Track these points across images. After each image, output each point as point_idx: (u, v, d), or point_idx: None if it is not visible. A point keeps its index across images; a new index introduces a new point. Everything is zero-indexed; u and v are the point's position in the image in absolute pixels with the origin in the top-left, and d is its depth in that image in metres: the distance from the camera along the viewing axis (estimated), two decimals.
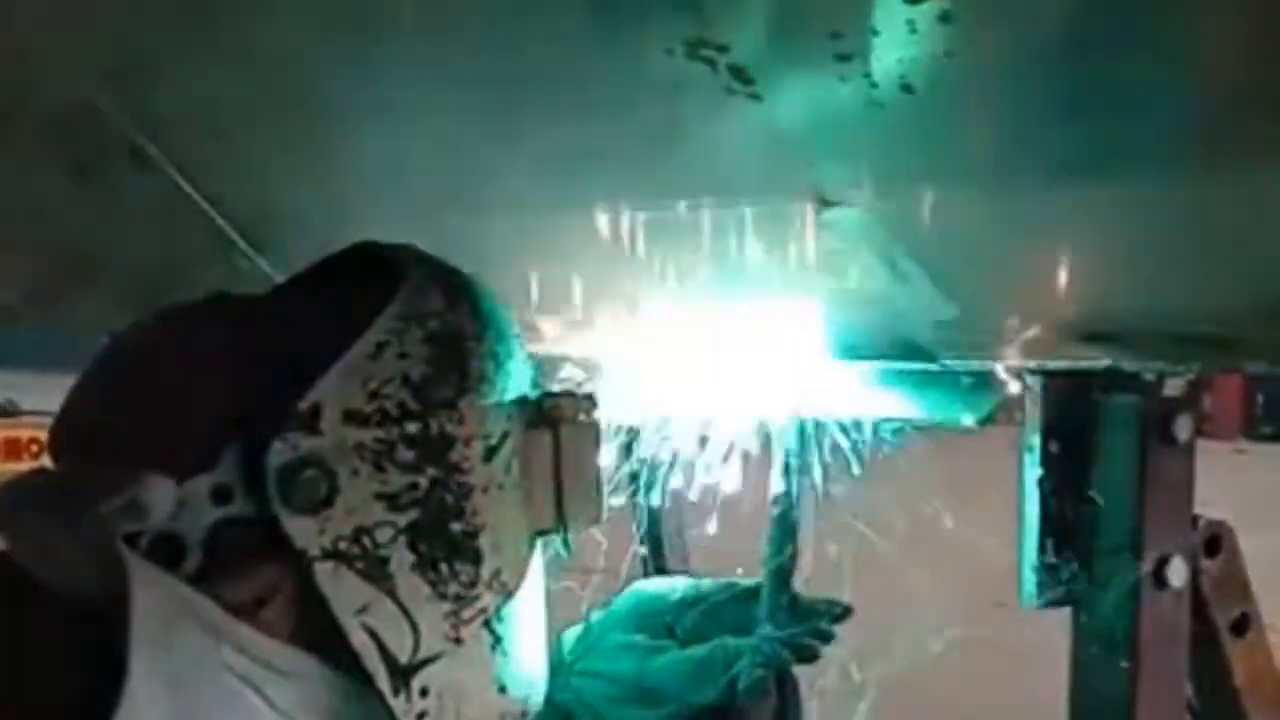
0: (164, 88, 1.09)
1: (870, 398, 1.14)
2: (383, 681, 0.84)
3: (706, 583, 1.30)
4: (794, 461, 1.20)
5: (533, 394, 0.93)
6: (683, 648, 1.20)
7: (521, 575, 0.91)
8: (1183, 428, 0.98)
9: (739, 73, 0.84)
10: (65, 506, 0.79)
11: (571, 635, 1.23)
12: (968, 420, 1.08)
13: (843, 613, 1.21)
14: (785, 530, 1.20)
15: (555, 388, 0.96)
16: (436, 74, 0.96)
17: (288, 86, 1.03)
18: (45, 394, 0.89)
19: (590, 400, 0.95)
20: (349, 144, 1.09)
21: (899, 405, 1.12)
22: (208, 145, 1.17)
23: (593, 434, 0.95)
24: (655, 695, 1.17)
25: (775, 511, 1.21)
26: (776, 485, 1.20)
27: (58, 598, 0.79)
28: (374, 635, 0.83)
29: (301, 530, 0.81)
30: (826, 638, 1.20)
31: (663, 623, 1.23)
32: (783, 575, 1.20)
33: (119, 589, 0.76)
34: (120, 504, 0.78)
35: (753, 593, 1.22)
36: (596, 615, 1.25)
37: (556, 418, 0.93)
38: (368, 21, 0.93)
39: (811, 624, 1.19)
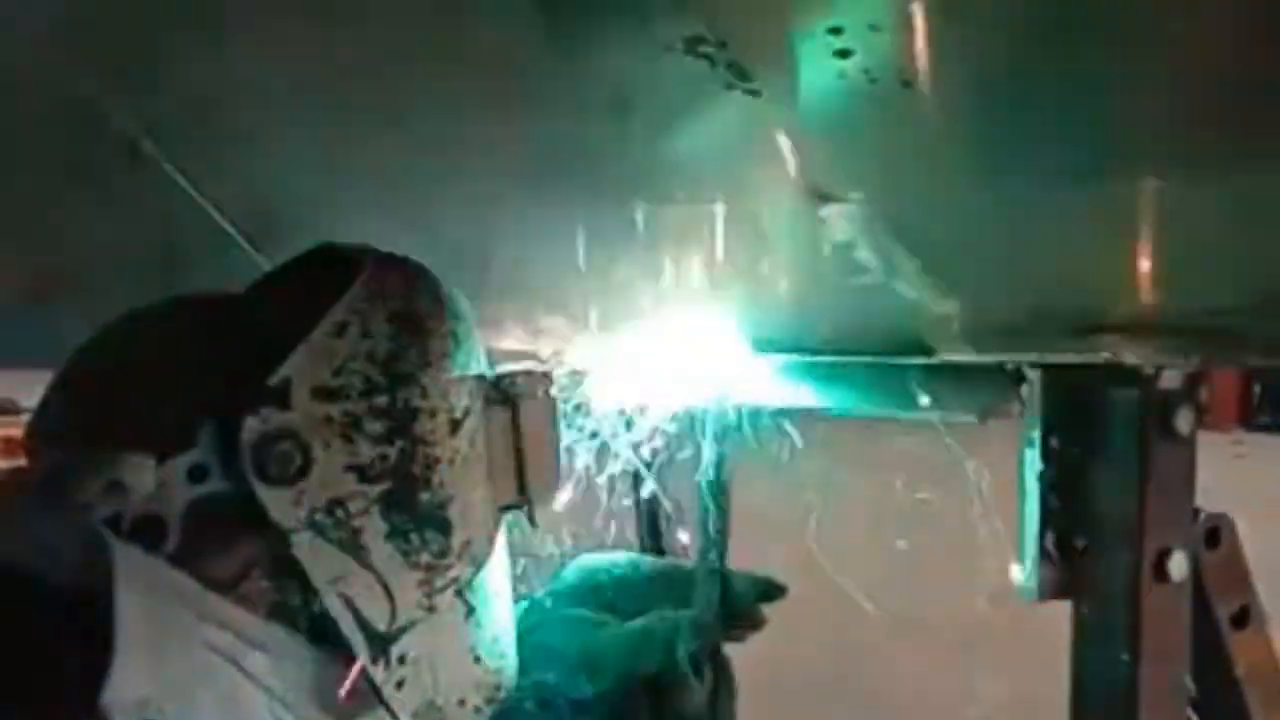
0: (161, 86, 1.09)
1: (869, 393, 1.15)
2: (361, 650, 0.87)
3: (647, 559, 1.34)
4: (725, 445, 1.22)
5: (491, 373, 0.96)
6: (624, 622, 1.23)
7: (489, 547, 0.94)
8: (1184, 421, 0.98)
9: (738, 69, 0.84)
10: (47, 492, 0.81)
11: (519, 610, 1.25)
12: (967, 415, 1.08)
13: (774, 592, 1.23)
14: (717, 511, 1.22)
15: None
16: (436, 71, 0.96)
17: (285, 85, 1.03)
18: None
19: (548, 378, 0.98)
20: (346, 143, 1.09)
21: (898, 400, 1.12)
22: (205, 143, 1.17)
23: (550, 410, 0.98)
24: (598, 667, 1.20)
25: (708, 494, 1.23)
26: (708, 469, 1.23)
27: (40, 583, 0.80)
28: (350, 604, 0.86)
29: (277, 503, 0.84)
30: (757, 617, 1.24)
31: (605, 597, 1.26)
32: (717, 554, 1.22)
33: (102, 572, 0.77)
34: (101, 486, 0.79)
35: (691, 572, 1.25)
36: (541, 590, 1.28)
37: (515, 394, 0.96)
38: (366, 19, 0.93)
39: (743, 602, 1.22)
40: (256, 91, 1.05)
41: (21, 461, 0.90)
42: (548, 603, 1.27)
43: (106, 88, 1.10)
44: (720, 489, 1.23)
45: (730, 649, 1.25)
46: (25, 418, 0.92)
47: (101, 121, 1.12)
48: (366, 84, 1.00)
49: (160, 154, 1.16)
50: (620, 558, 1.33)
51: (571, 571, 1.31)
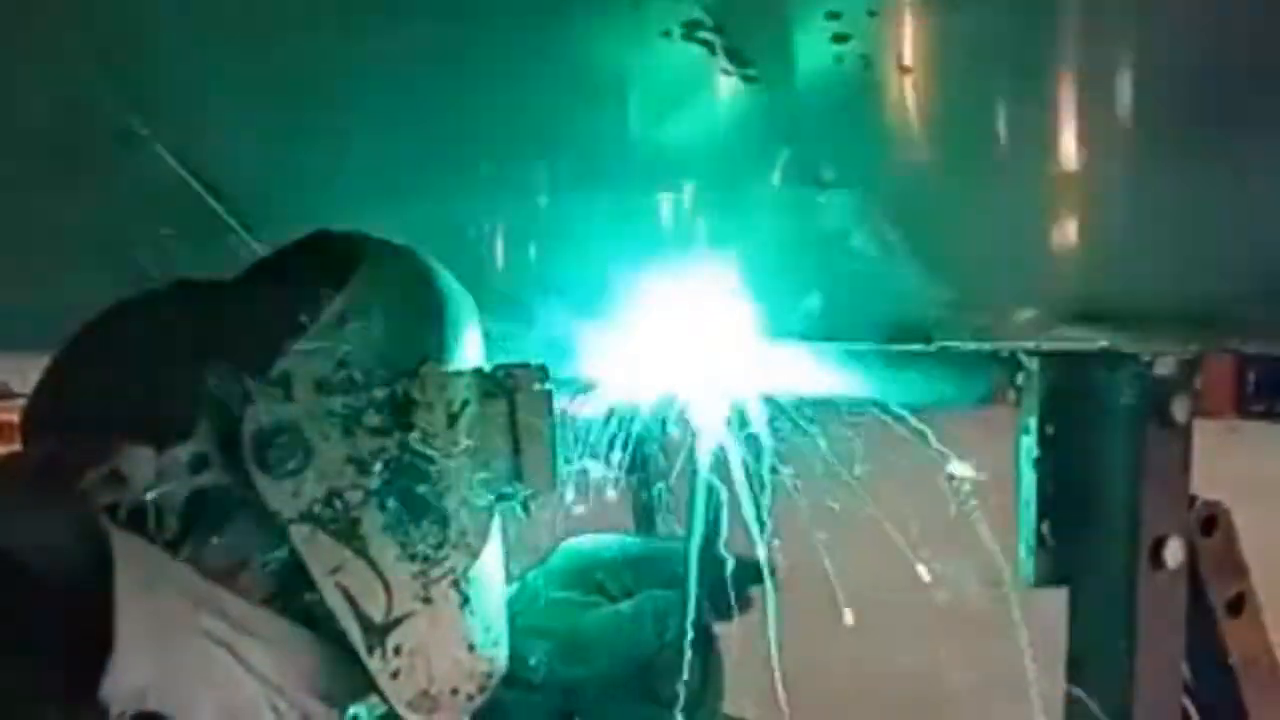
0: (156, 70, 1.09)
1: (866, 380, 1.14)
2: (357, 640, 0.87)
3: (636, 541, 1.36)
4: (719, 431, 1.22)
5: (487, 366, 0.97)
6: (613, 604, 1.24)
7: (485, 538, 0.95)
8: (1180, 409, 0.98)
9: (736, 54, 0.84)
10: (44, 480, 0.81)
11: (508, 593, 1.26)
12: (964, 402, 1.08)
13: (762, 574, 1.24)
14: (709, 495, 1.23)
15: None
16: (431, 59, 0.96)
17: (281, 70, 1.03)
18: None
19: (543, 370, 0.99)
20: (344, 127, 1.09)
21: (895, 387, 1.12)
22: (200, 127, 1.16)
23: (546, 402, 0.99)
24: (587, 649, 1.21)
25: (699, 477, 1.23)
26: (703, 453, 1.23)
27: (37, 572, 0.80)
28: (348, 595, 0.87)
29: (277, 494, 0.85)
30: (746, 599, 1.24)
31: (594, 580, 1.27)
32: (707, 537, 1.23)
33: (101, 560, 0.77)
34: (101, 474, 0.79)
35: (680, 553, 1.25)
36: (531, 573, 1.28)
37: (512, 387, 0.97)
38: (363, 7, 0.93)
39: (731, 584, 1.23)
40: (250, 74, 1.05)
41: (16, 447, 0.90)
42: (537, 585, 1.27)
43: (99, 70, 1.10)
44: (712, 473, 1.23)
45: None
46: (20, 403, 0.92)
47: (94, 104, 1.12)
48: (364, 71, 1.00)
49: (153, 137, 1.16)
50: (609, 539, 1.34)
51: (560, 554, 1.31)
